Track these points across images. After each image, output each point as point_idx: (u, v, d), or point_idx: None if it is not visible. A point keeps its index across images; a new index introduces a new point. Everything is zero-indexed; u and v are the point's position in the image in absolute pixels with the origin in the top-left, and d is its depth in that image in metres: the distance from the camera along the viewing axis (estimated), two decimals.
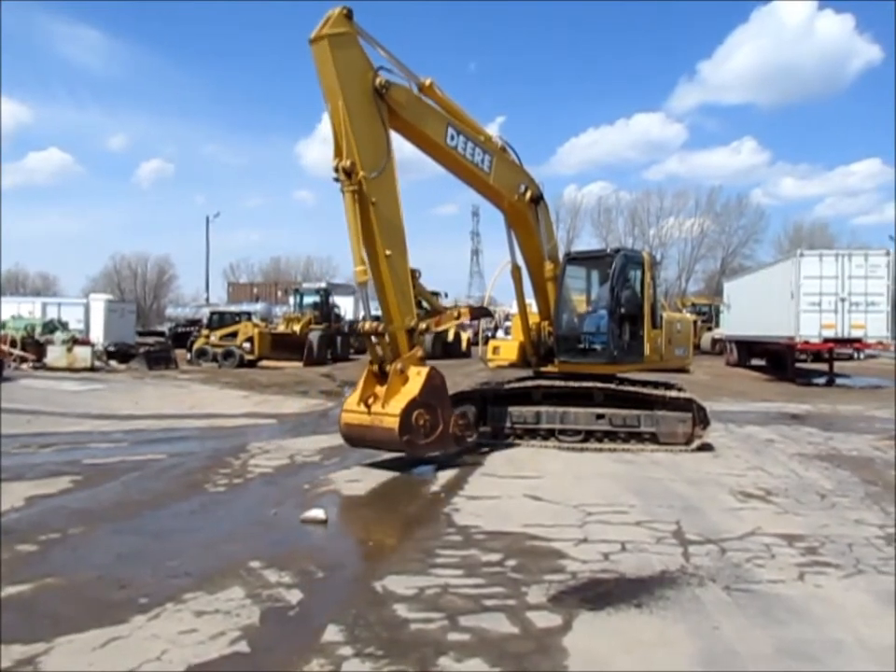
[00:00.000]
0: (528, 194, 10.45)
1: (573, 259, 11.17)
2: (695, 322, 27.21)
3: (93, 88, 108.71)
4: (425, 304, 10.38)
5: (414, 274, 9.19)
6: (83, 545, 5.60)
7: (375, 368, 8.77)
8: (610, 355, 10.15)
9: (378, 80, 8.41)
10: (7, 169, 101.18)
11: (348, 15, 8.18)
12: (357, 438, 8.85)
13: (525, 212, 10.52)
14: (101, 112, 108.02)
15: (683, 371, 12.17)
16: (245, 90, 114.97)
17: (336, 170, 8.21)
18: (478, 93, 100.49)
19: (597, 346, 10.36)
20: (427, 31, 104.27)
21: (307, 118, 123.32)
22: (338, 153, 8.27)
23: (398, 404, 8.31)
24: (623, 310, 10.21)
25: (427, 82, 9.25)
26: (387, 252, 8.44)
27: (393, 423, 8.22)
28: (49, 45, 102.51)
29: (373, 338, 8.80)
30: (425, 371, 8.59)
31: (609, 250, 10.86)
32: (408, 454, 8.63)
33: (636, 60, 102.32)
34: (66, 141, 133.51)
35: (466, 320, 10.50)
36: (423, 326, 9.08)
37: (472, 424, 9.56)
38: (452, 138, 9.30)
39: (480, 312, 11.59)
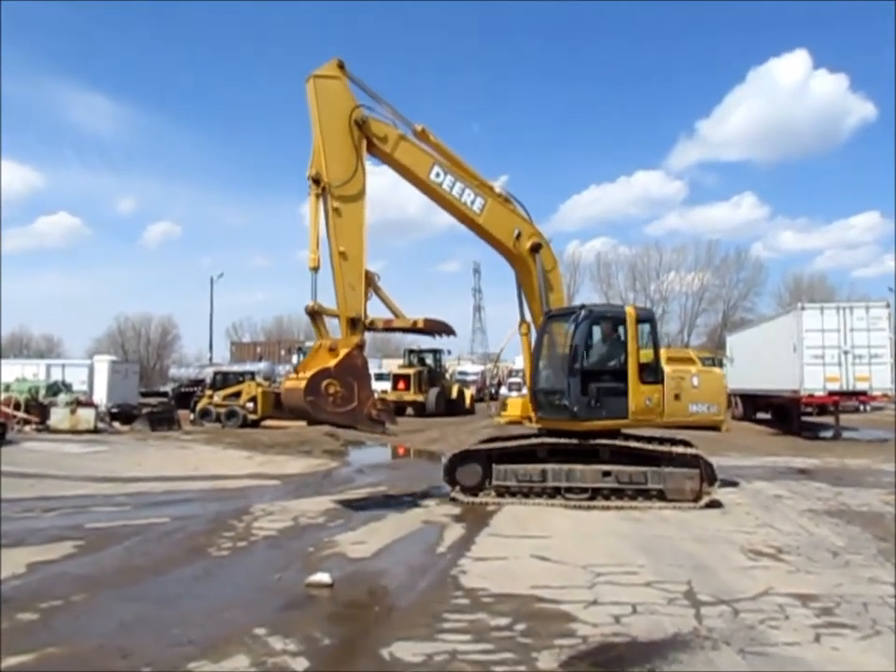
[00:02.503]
0: (528, 242, 10.85)
1: (553, 315, 11.00)
2: None
3: (103, 152, 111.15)
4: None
5: (371, 277, 10.32)
6: (85, 613, 5.52)
7: (318, 345, 9.96)
8: (570, 411, 10.10)
9: (356, 114, 10.02)
10: (17, 233, 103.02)
11: (340, 65, 10.09)
12: (289, 403, 9.96)
13: (525, 259, 10.95)
14: (111, 176, 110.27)
15: (713, 428, 11.27)
16: (252, 153, 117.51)
17: (308, 178, 9.82)
18: (482, 153, 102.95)
19: (564, 403, 10.25)
20: (433, 93, 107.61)
21: None
22: (312, 165, 9.88)
23: (312, 370, 9.50)
24: (583, 366, 10.13)
25: (419, 128, 10.55)
26: (341, 249, 9.79)
27: (303, 384, 9.31)
28: (59, 111, 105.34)
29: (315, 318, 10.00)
30: (347, 350, 9.62)
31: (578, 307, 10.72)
32: (313, 417, 9.99)
33: (636, 119, 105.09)
34: (75, 205, 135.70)
35: (421, 326, 10.94)
36: (368, 321, 10.17)
37: (392, 412, 10.41)
38: (437, 175, 10.51)
39: (437, 326, 11.64)
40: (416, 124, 10.58)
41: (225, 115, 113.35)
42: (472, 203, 10.62)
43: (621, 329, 10.47)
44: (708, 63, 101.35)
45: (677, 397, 10.50)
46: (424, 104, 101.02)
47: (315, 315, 9.95)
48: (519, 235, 10.84)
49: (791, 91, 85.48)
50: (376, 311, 10.75)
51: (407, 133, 10.57)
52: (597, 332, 10.85)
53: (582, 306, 10.61)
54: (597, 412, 10.17)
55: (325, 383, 9.35)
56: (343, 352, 9.62)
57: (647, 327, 10.72)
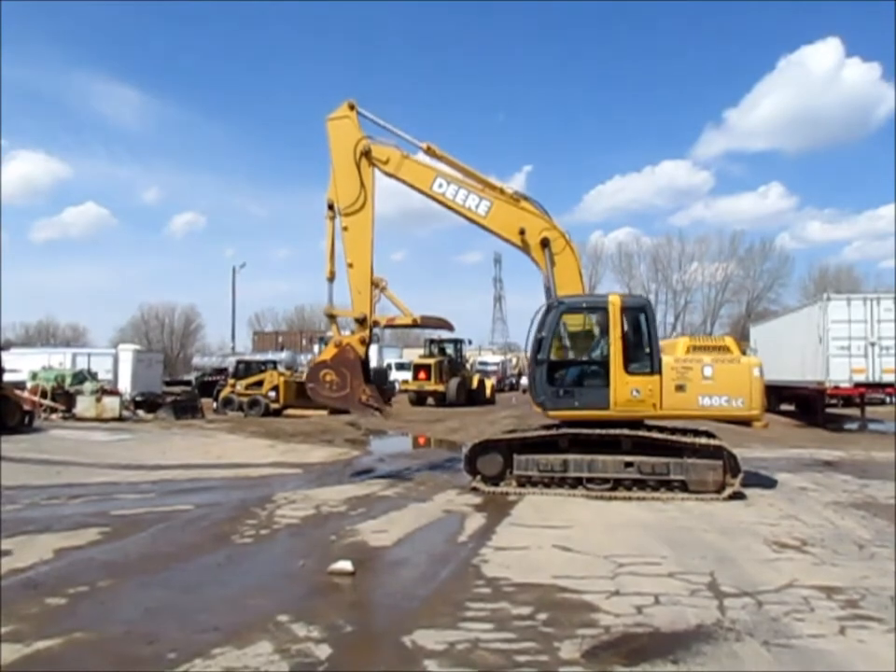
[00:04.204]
0: (538, 237, 11.16)
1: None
2: None
3: (129, 144, 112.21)
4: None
5: (379, 283, 11.82)
6: (111, 599, 5.59)
7: (332, 341, 11.84)
8: (537, 401, 10.41)
9: (361, 145, 11.64)
10: (44, 224, 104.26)
11: (351, 105, 11.77)
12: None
13: (532, 253, 11.30)
14: (137, 167, 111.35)
15: (742, 423, 10.79)
16: (276, 144, 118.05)
17: (326, 203, 11.82)
18: (506, 142, 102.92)
19: (535, 392, 10.52)
20: (460, 83, 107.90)
21: None
22: (328, 192, 11.85)
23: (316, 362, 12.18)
24: (549, 356, 10.32)
25: (425, 146, 11.73)
26: (349, 261, 11.56)
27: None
28: (87, 103, 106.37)
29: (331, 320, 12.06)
30: (342, 345, 11.46)
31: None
32: (313, 399, 12.08)
33: (662, 109, 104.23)
34: (103, 195, 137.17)
35: (419, 322, 12.66)
36: (373, 319, 11.73)
37: (381, 399, 11.73)
38: (440, 186, 11.60)
39: (433, 321, 13.39)
40: (423, 143, 11.73)
41: (250, 107, 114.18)
42: (477, 206, 11.46)
43: (603, 319, 10.40)
44: (738, 51, 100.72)
45: (680, 388, 10.07)
46: (451, 95, 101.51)
47: (331, 316, 11.98)
48: (523, 231, 11.22)
49: (822, 79, 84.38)
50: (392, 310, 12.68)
51: (416, 151, 11.92)
52: (578, 323, 10.94)
53: (557, 298, 10.62)
54: (567, 402, 10.22)
55: (322, 372, 11.45)
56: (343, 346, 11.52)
57: (639, 316, 10.43)
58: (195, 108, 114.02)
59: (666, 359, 10.24)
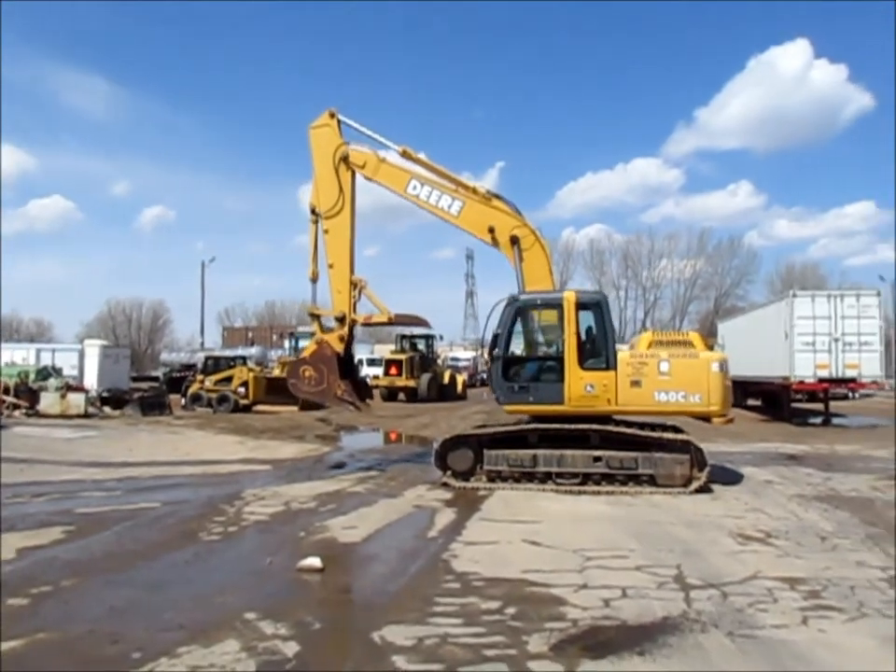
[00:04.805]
0: (507, 235, 11.30)
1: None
2: None
3: (98, 136, 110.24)
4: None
5: (357, 283, 12.11)
6: (75, 598, 5.50)
7: (314, 339, 12.54)
8: (494, 396, 10.68)
9: (340, 151, 12.13)
10: (9, 216, 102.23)
11: (332, 114, 12.25)
12: None
13: (502, 250, 11.45)
14: (106, 159, 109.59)
15: (702, 418, 10.54)
16: (249, 137, 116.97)
17: (309, 208, 12.40)
18: (480, 139, 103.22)
19: (492, 387, 10.80)
20: (436, 80, 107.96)
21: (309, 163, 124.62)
22: (311, 197, 12.45)
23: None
24: (504, 352, 10.42)
25: (401, 149, 12.07)
26: (330, 262, 12.08)
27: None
28: (56, 93, 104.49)
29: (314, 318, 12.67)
30: (319, 343, 12.08)
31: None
32: (293, 394, 12.89)
33: (635, 107, 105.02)
34: (69, 188, 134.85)
35: (393, 320, 12.90)
36: (352, 317, 12.12)
37: (354, 393, 12.09)
38: (414, 188, 11.93)
39: (410, 319, 14.25)
40: (399, 146, 12.07)
41: (222, 98, 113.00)
42: (450, 207, 11.70)
43: (538, 316, 10.67)
44: (709, 50, 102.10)
45: (635, 383, 10.01)
46: (426, 92, 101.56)
47: (314, 315, 12.57)
48: (492, 229, 11.36)
49: (790, 80, 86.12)
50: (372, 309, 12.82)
51: (393, 153, 12.24)
52: (534, 319, 11.01)
53: (513, 295, 10.72)
54: (522, 397, 10.32)
55: (302, 368, 12.11)
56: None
57: (595, 311, 10.41)
58: (167, 100, 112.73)
59: (622, 355, 10.25)
